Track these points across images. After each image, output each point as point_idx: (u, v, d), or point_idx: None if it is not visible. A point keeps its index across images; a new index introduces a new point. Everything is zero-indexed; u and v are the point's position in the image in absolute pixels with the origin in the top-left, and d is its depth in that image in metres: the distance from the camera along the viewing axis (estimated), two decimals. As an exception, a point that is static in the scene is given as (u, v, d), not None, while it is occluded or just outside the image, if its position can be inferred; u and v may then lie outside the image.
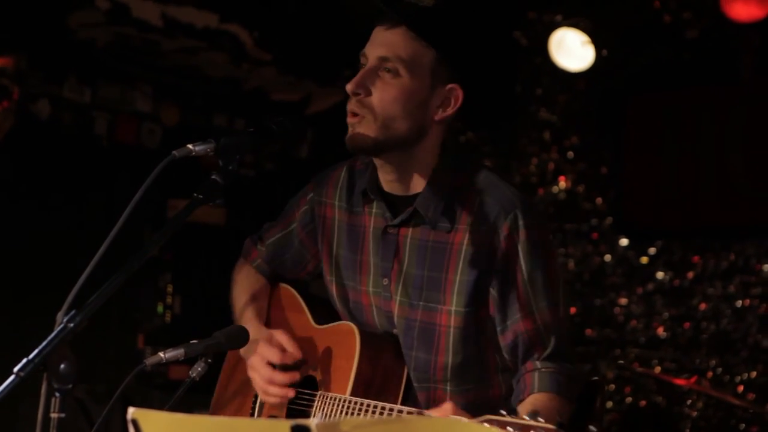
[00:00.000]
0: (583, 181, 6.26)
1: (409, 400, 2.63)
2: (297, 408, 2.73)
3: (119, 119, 6.24)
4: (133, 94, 6.28)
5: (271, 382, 2.70)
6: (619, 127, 6.19)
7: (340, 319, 2.76)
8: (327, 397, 2.63)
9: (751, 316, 5.69)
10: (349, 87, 2.55)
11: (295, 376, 2.70)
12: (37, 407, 1.96)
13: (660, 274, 5.97)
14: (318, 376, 2.71)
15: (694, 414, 5.66)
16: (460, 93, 2.59)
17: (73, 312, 1.99)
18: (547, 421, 1.92)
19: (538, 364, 2.53)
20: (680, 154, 5.94)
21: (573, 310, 6.18)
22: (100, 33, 5.80)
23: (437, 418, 2.07)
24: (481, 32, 5.69)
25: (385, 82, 2.53)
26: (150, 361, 2.46)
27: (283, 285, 2.95)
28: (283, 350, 2.70)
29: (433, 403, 2.60)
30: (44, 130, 5.90)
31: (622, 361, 5.80)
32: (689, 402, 5.66)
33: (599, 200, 6.21)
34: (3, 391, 1.90)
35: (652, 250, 6.02)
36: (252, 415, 2.84)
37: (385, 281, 2.66)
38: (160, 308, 6.11)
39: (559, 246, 6.24)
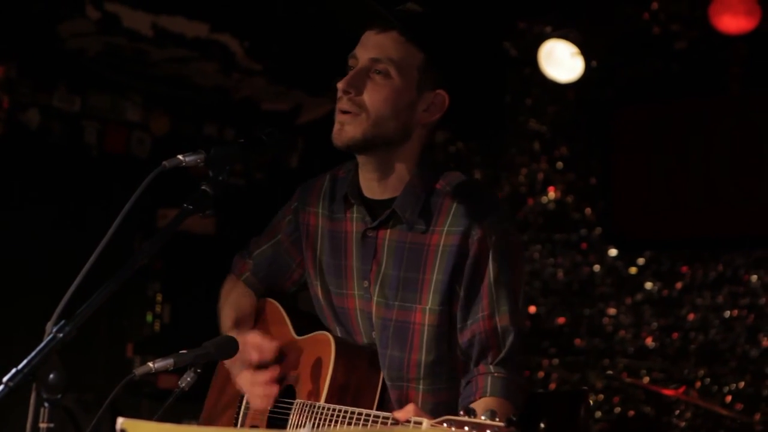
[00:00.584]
0: (572, 192, 6.28)
1: (384, 407, 2.65)
2: (277, 416, 2.76)
3: (109, 129, 6.24)
4: (123, 103, 6.28)
5: (255, 383, 2.73)
6: (608, 137, 6.21)
7: (321, 329, 2.78)
8: (304, 405, 2.65)
9: (740, 326, 5.71)
10: (340, 85, 2.61)
11: (276, 370, 2.73)
12: (26, 417, 1.96)
13: (649, 285, 5.99)
14: (296, 385, 2.74)
15: (683, 424, 5.67)
16: (446, 98, 2.66)
17: (62, 322, 1.99)
18: (501, 421, 1.96)
19: (491, 368, 2.58)
20: (669, 165, 5.96)
21: (562, 320, 6.19)
22: (91, 42, 5.80)
23: (424, 428, 2.08)
24: (470, 38, 5.71)
25: (375, 83, 2.59)
26: (139, 370, 2.46)
27: (269, 300, 2.98)
28: (259, 349, 2.73)
29: (405, 401, 2.64)
30: (34, 139, 5.90)
31: (610, 371, 5.81)
32: (677, 412, 5.67)
33: (588, 210, 6.23)
34: (-8, 400, 1.90)
35: (640, 261, 6.04)
36: (236, 424, 2.86)
37: (365, 283, 2.71)
38: (149, 317, 6.11)
39: (549, 256, 6.26)
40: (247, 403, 2.87)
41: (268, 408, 2.77)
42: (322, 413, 2.57)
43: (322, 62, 5.98)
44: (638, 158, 6.11)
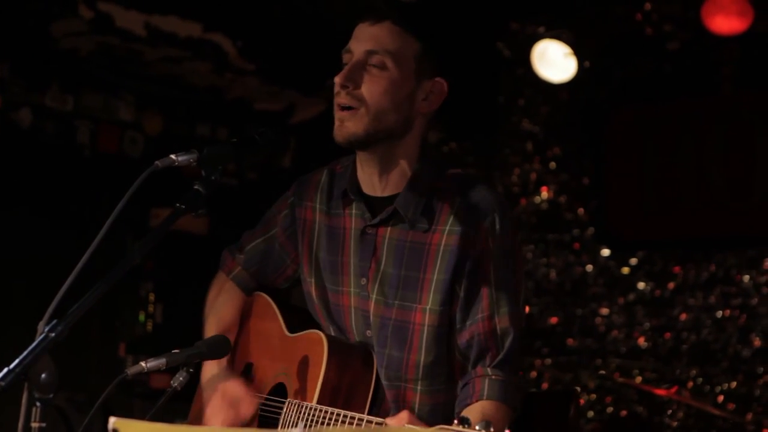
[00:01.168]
0: (565, 192, 6.29)
1: (377, 406, 2.64)
2: (267, 415, 2.75)
3: (102, 128, 6.23)
4: (115, 103, 6.27)
5: (214, 416, 2.70)
6: (600, 138, 6.22)
7: (314, 326, 2.77)
8: (295, 405, 2.64)
9: (732, 326, 5.72)
10: (337, 80, 2.58)
11: (239, 419, 2.70)
12: (17, 417, 1.96)
13: (641, 285, 6.00)
14: (287, 384, 2.73)
15: (675, 424, 5.68)
16: (444, 86, 2.64)
17: (54, 321, 1.99)
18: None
19: (488, 370, 2.56)
20: (661, 165, 5.97)
21: (554, 319, 6.20)
22: (83, 42, 5.80)
23: (411, 428, 2.08)
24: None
25: (373, 75, 2.56)
26: (131, 370, 2.46)
27: (261, 294, 2.95)
28: (235, 405, 2.71)
29: (402, 402, 2.63)
30: (26, 138, 5.89)
31: (603, 371, 5.81)
32: (670, 412, 5.68)
33: (581, 211, 6.24)
34: (-16, 400, 1.90)
35: (633, 261, 6.05)
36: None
37: (363, 281, 2.68)
38: (141, 317, 6.10)
39: (541, 256, 6.26)
40: None
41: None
42: (314, 415, 2.56)
43: (315, 62, 5.99)
44: (631, 158, 6.12)
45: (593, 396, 5.99)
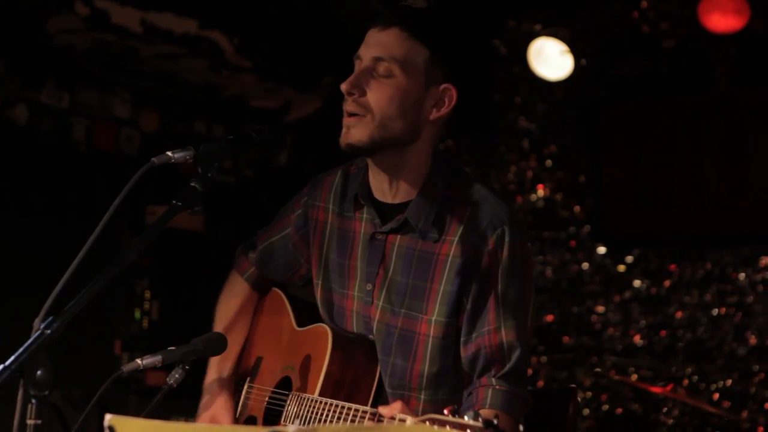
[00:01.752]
0: (561, 190, 6.29)
1: (380, 403, 2.65)
2: (273, 408, 2.77)
3: (98, 125, 6.21)
4: (111, 100, 6.26)
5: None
6: (597, 136, 6.22)
7: (322, 321, 2.78)
8: (298, 398, 2.65)
9: (727, 324, 5.73)
10: (344, 87, 2.56)
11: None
12: (13, 414, 1.95)
13: (637, 283, 6.00)
14: (293, 377, 2.74)
15: (670, 421, 5.69)
16: (453, 93, 2.61)
17: (50, 318, 1.99)
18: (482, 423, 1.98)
19: (493, 380, 2.55)
20: (657, 163, 5.98)
21: (550, 317, 6.20)
22: (79, 39, 5.79)
23: (408, 425, 2.08)
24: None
25: (380, 83, 2.54)
26: (127, 367, 2.46)
27: (275, 290, 2.98)
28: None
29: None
30: (22, 135, 5.88)
31: (598, 369, 5.81)
32: (665, 410, 5.69)
33: (577, 208, 6.24)
34: (-21, 397, 1.90)
35: (629, 259, 6.05)
36: (235, 409, 2.88)
37: (369, 286, 2.67)
38: (137, 314, 6.09)
39: (537, 254, 6.27)
40: (248, 392, 2.88)
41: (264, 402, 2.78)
42: (312, 406, 2.57)
43: (311, 60, 5.98)
44: (627, 156, 6.12)
45: (589, 394, 5.99)
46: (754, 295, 5.68)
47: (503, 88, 6.44)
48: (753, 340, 5.66)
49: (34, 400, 1.94)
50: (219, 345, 2.66)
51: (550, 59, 5.74)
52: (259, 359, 2.92)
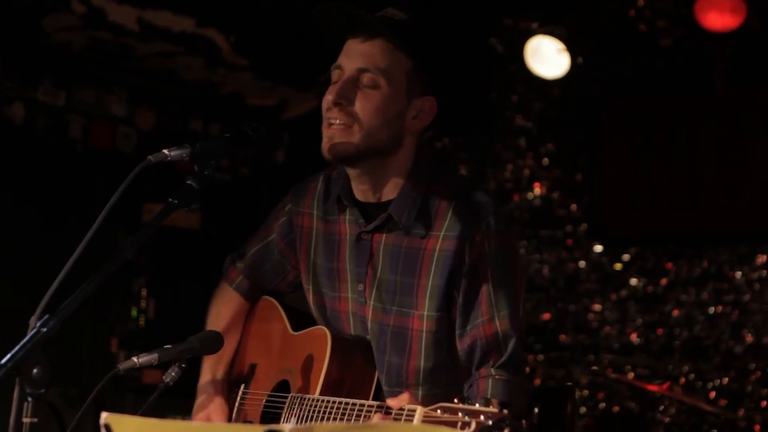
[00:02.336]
0: (557, 188, 6.29)
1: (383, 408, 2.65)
2: (271, 411, 2.76)
3: (94, 123, 6.21)
4: (108, 98, 6.26)
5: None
6: (593, 134, 6.22)
7: (318, 325, 2.78)
8: (297, 399, 2.65)
9: (724, 322, 5.73)
10: (330, 98, 2.56)
11: None
12: (9, 412, 1.95)
13: (634, 281, 6.01)
14: (291, 380, 2.74)
15: (667, 420, 5.69)
16: (434, 105, 2.63)
17: (46, 317, 1.99)
18: (494, 407, 1.99)
19: (492, 371, 2.56)
20: (654, 161, 5.98)
21: (547, 315, 6.20)
22: (76, 36, 5.78)
23: (409, 424, 2.08)
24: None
25: (365, 93, 2.55)
26: (123, 365, 2.46)
27: (266, 297, 2.99)
28: None
29: None
30: (18, 133, 5.87)
31: (595, 367, 5.81)
32: (662, 408, 5.69)
33: (574, 207, 6.24)
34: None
35: (626, 257, 6.05)
36: (229, 418, 2.88)
37: (360, 287, 2.69)
38: (134, 312, 6.09)
39: (534, 252, 6.27)
40: (242, 397, 2.88)
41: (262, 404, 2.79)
42: (313, 405, 2.57)
43: (308, 58, 5.98)
44: (624, 155, 6.12)
45: (585, 392, 5.99)
46: (751, 294, 5.68)
47: (500, 87, 6.44)
48: (749, 338, 5.67)
49: (30, 398, 1.94)
50: (215, 343, 2.67)
51: (547, 57, 5.74)
52: (253, 365, 2.92)
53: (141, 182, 2.22)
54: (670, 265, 5.91)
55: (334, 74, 2.61)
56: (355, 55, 2.57)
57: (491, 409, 1.97)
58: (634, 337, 5.96)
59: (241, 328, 2.98)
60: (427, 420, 2.09)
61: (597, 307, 6.09)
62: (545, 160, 6.33)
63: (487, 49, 6.34)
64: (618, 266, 6.07)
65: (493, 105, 6.46)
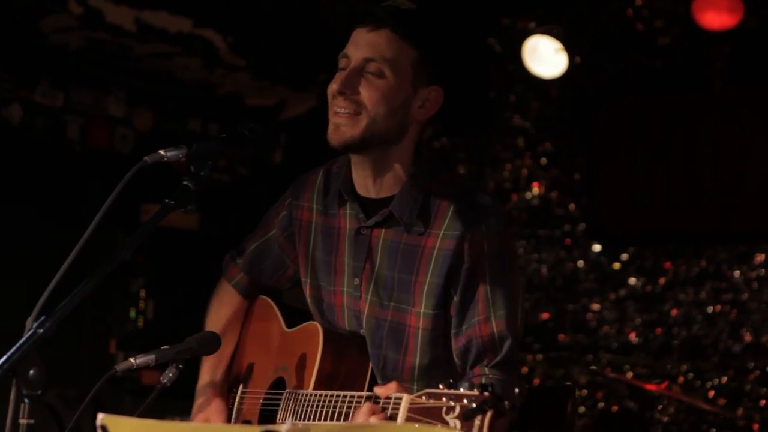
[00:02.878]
0: (556, 188, 6.29)
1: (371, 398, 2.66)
2: (268, 408, 2.78)
3: (92, 124, 6.21)
4: (106, 98, 6.25)
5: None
6: (591, 133, 6.22)
7: (311, 321, 2.79)
8: (294, 395, 2.66)
9: (722, 321, 5.73)
10: (335, 86, 2.58)
11: None
12: (5, 414, 1.95)
13: (632, 280, 6.00)
14: (286, 377, 2.75)
15: (666, 419, 5.69)
16: (440, 94, 2.65)
17: (42, 318, 1.98)
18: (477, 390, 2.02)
19: (486, 370, 2.57)
20: (652, 160, 5.98)
21: (546, 315, 6.20)
22: (73, 37, 5.78)
23: (408, 424, 2.09)
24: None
25: (371, 82, 2.57)
26: (121, 366, 2.46)
27: (262, 297, 3.00)
28: None
29: None
30: (16, 134, 5.87)
31: (594, 367, 5.82)
32: (660, 407, 5.69)
33: (572, 206, 6.24)
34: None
35: (624, 256, 6.05)
36: (229, 414, 2.89)
37: (357, 281, 2.70)
38: (132, 313, 6.09)
39: (533, 252, 6.27)
40: (241, 397, 2.88)
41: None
42: (307, 401, 2.58)
43: (306, 58, 5.98)
44: (622, 154, 6.12)
45: (584, 391, 5.99)
46: (749, 293, 5.68)
47: (498, 86, 6.44)
48: (748, 337, 5.67)
49: (26, 400, 1.94)
50: (213, 343, 2.67)
51: (545, 57, 5.73)
52: (251, 365, 2.93)
53: (139, 183, 2.22)
54: (668, 264, 5.91)
55: (341, 62, 2.63)
56: (362, 45, 2.60)
57: (474, 392, 1.99)
58: (632, 337, 5.96)
59: (239, 329, 2.99)
60: (413, 406, 2.11)
61: (596, 306, 6.09)
62: (543, 160, 6.33)
63: (486, 48, 6.34)
64: (616, 266, 6.07)
65: (491, 105, 6.46)
